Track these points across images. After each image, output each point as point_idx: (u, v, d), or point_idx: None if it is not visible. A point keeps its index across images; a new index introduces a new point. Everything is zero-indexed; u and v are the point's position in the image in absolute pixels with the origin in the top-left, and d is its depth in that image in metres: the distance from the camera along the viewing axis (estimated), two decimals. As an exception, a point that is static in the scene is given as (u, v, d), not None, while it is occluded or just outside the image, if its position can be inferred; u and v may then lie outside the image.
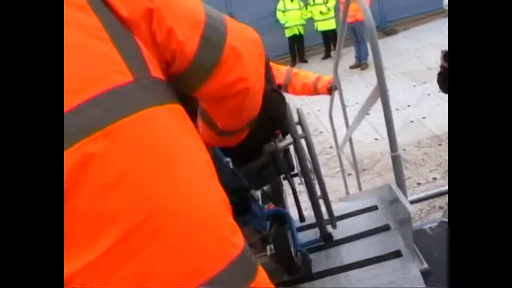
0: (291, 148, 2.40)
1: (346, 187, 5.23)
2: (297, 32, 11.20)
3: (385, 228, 2.53)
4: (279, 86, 2.71)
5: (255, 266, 0.91)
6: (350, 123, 3.77)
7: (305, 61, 11.35)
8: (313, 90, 3.91)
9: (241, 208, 2.04)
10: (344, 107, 3.62)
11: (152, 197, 0.76)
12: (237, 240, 0.88)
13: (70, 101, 0.73)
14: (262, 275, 0.92)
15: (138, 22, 0.85)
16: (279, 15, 11.14)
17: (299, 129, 2.36)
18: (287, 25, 11.15)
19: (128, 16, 0.83)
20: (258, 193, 2.81)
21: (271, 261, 2.19)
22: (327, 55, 11.31)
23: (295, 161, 2.55)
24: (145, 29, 0.85)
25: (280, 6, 11.13)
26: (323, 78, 3.87)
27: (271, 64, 4.16)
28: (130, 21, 0.84)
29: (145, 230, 0.74)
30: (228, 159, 1.60)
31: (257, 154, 1.83)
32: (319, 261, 2.49)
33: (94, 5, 0.81)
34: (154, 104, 0.82)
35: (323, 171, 6.30)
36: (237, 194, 1.83)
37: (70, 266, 0.70)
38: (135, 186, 0.75)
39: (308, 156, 2.41)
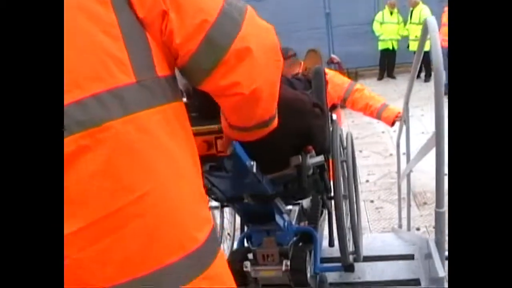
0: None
1: (400, 219, 5.02)
2: (390, 47, 10.81)
3: (414, 282, 2.39)
4: (334, 106, 2.61)
5: (214, 254, 1.02)
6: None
7: (393, 77, 10.97)
8: (376, 116, 3.79)
9: (263, 217, 2.04)
10: (408, 141, 3.45)
11: (128, 189, 0.87)
12: (200, 235, 0.98)
13: (74, 94, 0.82)
14: (220, 261, 1.04)
15: (153, 22, 0.91)
16: (376, 26, 10.79)
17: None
18: (381, 37, 10.79)
19: (144, 16, 0.90)
20: (296, 208, 2.78)
21: (285, 276, 2.15)
22: (416, 76, 10.88)
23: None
24: (157, 28, 0.91)
25: (378, 17, 10.78)
26: (391, 109, 3.73)
27: (332, 72, 4.08)
28: (146, 20, 0.90)
29: (117, 216, 0.86)
30: (252, 162, 1.55)
31: (284, 165, 1.79)
32: (338, 300, 2.40)
33: (115, 1, 0.87)
34: (151, 106, 0.91)
35: (384, 195, 6.19)
36: (258, 199, 1.84)
37: None
38: (116, 178, 0.86)
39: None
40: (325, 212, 2.77)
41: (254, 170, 1.55)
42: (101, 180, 0.85)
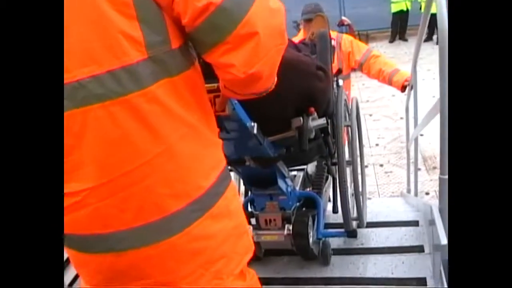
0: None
1: (408, 183, 4.98)
2: (404, 8, 10.55)
3: (418, 249, 2.37)
4: (339, 71, 2.57)
5: (219, 195, 1.15)
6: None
7: (405, 40, 10.76)
8: (388, 81, 3.78)
9: (266, 181, 2.04)
10: (416, 107, 3.37)
11: (140, 153, 1.02)
12: (205, 182, 1.11)
13: (91, 69, 0.94)
14: (225, 199, 1.17)
15: (164, 1, 0.98)
16: (389, -13, 10.55)
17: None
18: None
19: None
20: (300, 174, 2.77)
21: (287, 241, 2.17)
22: (428, 38, 10.66)
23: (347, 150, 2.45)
24: (169, 7, 0.98)
25: (392, -23, 10.52)
26: (401, 73, 3.70)
27: (351, 38, 4.04)
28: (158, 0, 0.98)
29: (132, 175, 1.02)
30: (253, 123, 1.53)
31: (286, 127, 1.77)
32: (341, 266, 2.39)
33: None
34: (162, 78, 1.01)
35: (394, 159, 6.15)
36: (260, 162, 1.84)
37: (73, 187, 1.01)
38: (130, 144, 1.00)
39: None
40: (330, 178, 2.75)
41: (255, 131, 1.54)
42: (117, 146, 1.00)
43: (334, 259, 2.44)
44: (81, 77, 0.95)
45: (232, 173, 2.84)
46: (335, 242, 2.56)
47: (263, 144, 1.68)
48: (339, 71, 2.53)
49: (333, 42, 2.46)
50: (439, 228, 1.96)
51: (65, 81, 0.95)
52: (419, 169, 5.34)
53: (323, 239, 2.41)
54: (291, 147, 1.92)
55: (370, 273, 2.30)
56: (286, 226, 2.14)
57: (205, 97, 1.18)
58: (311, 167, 2.93)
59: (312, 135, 1.85)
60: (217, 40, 1.00)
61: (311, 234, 2.20)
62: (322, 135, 2.15)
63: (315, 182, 2.77)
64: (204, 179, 1.12)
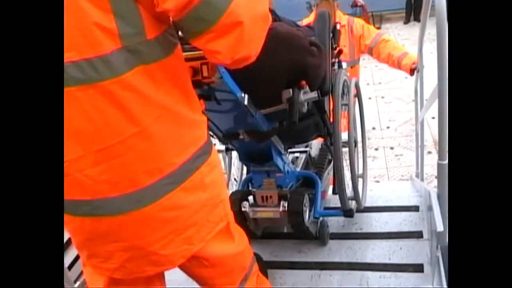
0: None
1: (417, 167, 4.92)
2: (419, -14, 10.35)
3: (417, 235, 2.34)
4: (339, 51, 2.52)
5: (192, 171, 1.25)
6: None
7: (419, 21, 10.55)
8: (396, 65, 3.73)
9: (262, 156, 2.05)
10: (422, 89, 3.30)
11: (115, 133, 1.10)
12: (178, 159, 1.21)
13: (71, 55, 1.01)
14: (200, 173, 1.27)
15: None
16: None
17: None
18: (410, -23, 10.31)
19: None
20: (302, 156, 2.75)
21: (283, 218, 2.17)
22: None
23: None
24: (150, 1, 1.04)
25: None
26: (410, 56, 3.64)
27: (362, 22, 3.98)
28: None
29: (108, 151, 1.12)
30: (243, 94, 1.55)
31: (277, 100, 1.75)
32: (339, 251, 2.38)
33: None
34: (136, 66, 1.08)
35: (405, 142, 6.08)
36: (253, 135, 1.85)
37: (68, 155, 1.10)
38: (105, 125, 1.09)
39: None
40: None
41: (246, 102, 1.56)
42: (95, 125, 1.09)
43: (332, 243, 2.42)
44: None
45: (235, 153, 2.87)
46: (333, 226, 2.54)
47: (255, 116, 1.69)
48: (340, 52, 2.47)
49: (338, 26, 2.41)
50: (436, 214, 1.93)
51: None
52: (430, 152, 5.30)
53: (321, 219, 2.40)
54: (284, 120, 1.88)
55: (368, 259, 2.28)
56: (282, 203, 2.14)
57: (185, 80, 1.24)
58: (314, 150, 2.90)
59: (304, 109, 1.83)
60: (202, 30, 1.06)
61: (306, 212, 2.19)
62: (319, 113, 2.13)
63: (317, 164, 2.77)
64: (177, 157, 1.22)
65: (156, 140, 1.16)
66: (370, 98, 7.24)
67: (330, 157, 2.77)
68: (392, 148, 6.06)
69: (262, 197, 2.18)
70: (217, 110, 1.66)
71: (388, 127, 6.49)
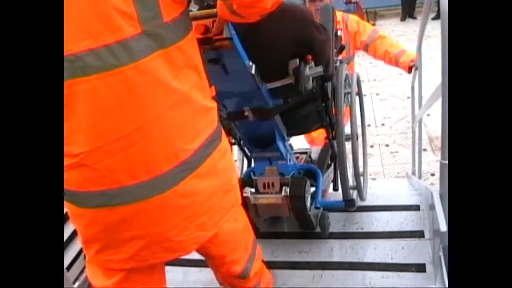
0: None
1: (413, 164, 4.93)
2: (414, -18, 10.30)
3: (419, 234, 2.34)
4: (342, 47, 2.53)
5: (205, 157, 1.28)
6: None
7: (414, 18, 10.53)
8: (394, 62, 3.72)
9: (265, 139, 2.08)
10: (420, 87, 3.30)
11: (131, 120, 1.12)
12: (192, 146, 1.24)
13: (88, 43, 1.03)
14: (212, 159, 1.30)
15: None
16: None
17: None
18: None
19: None
20: (303, 157, 2.73)
21: (284, 205, 2.17)
22: (437, 16, 10.43)
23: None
24: None
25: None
26: (408, 54, 3.63)
27: (357, 18, 3.96)
28: None
29: (124, 140, 1.13)
30: (251, 63, 1.57)
31: (283, 73, 1.79)
32: (341, 250, 2.37)
33: None
34: (154, 51, 1.10)
35: (400, 139, 6.08)
36: (258, 113, 1.87)
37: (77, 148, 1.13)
38: (123, 112, 1.11)
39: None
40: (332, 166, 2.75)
41: (253, 71, 1.58)
42: (112, 113, 1.10)
43: (333, 243, 2.41)
44: (78, 50, 1.03)
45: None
46: (334, 226, 2.52)
47: (261, 89, 1.71)
48: (342, 48, 2.48)
49: (339, 32, 2.41)
50: (439, 214, 1.92)
51: None
52: (425, 150, 5.31)
53: (321, 210, 2.40)
54: (288, 98, 1.93)
55: (369, 258, 2.27)
56: (284, 188, 2.15)
57: (199, 65, 1.26)
58: (314, 154, 2.90)
59: (310, 86, 1.85)
60: None
61: (308, 198, 2.20)
62: (323, 104, 2.15)
63: (318, 162, 2.77)
64: (191, 143, 1.24)
65: (171, 126, 1.18)
66: (365, 95, 7.22)
67: (329, 161, 2.78)
68: (387, 145, 6.07)
69: (264, 184, 2.18)
70: (224, 84, 1.66)
71: (383, 124, 6.49)
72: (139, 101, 1.12)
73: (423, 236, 2.31)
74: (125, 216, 1.24)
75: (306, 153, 2.78)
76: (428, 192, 2.30)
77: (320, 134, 3.81)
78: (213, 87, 1.37)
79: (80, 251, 2.25)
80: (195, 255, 1.54)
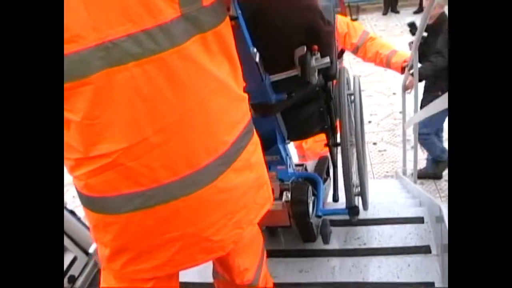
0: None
1: (404, 163, 4.85)
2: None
3: (424, 250, 2.22)
4: (342, 51, 2.44)
5: (242, 149, 1.22)
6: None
7: (397, 12, 10.47)
8: (385, 63, 3.64)
9: (266, 140, 1.95)
10: (417, 89, 3.21)
11: (172, 110, 1.05)
12: (230, 137, 1.17)
13: (126, 28, 0.96)
14: (247, 152, 1.24)
15: None
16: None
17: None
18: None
19: None
20: (299, 169, 2.62)
21: (284, 211, 2.09)
22: (420, 10, 10.38)
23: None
24: None
25: None
26: (399, 54, 3.54)
27: (347, 19, 3.87)
28: None
29: (163, 133, 1.05)
30: (255, 51, 1.50)
31: (289, 64, 1.71)
32: (343, 269, 2.25)
33: None
34: (193, 35, 1.04)
35: (388, 137, 6.00)
36: (260, 110, 1.83)
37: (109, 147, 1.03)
38: (163, 101, 1.04)
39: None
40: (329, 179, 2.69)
41: (257, 59, 1.52)
42: (151, 103, 1.02)
43: (335, 261, 2.30)
44: (115, 36, 0.96)
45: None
46: (335, 242, 2.41)
47: (264, 81, 1.66)
48: (342, 52, 2.39)
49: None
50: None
51: (97, 41, 0.95)
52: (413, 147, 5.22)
53: (322, 217, 2.31)
54: (292, 93, 1.87)
55: (374, 277, 2.16)
56: (285, 193, 2.07)
57: (233, 51, 1.20)
58: (310, 167, 2.80)
59: (315, 79, 1.77)
60: None
61: (310, 203, 2.10)
62: (326, 106, 2.11)
63: (317, 169, 2.68)
64: (228, 134, 1.17)
65: (211, 114, 1.12)
66: (350, 92, 7.15)
67: (326, 175, 2.69)
68: (375, 143, 5.98)
69: None
70: None
71: (369, 122, 6.41)
72: (180, 88, 1.05)
73: (430, 252, 2.21)
74: (162, 217, 1.14)
75: (302, 165, 2.67)
76: (431, 203, 2.20)
77: (312, 145, 3.72)
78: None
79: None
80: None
